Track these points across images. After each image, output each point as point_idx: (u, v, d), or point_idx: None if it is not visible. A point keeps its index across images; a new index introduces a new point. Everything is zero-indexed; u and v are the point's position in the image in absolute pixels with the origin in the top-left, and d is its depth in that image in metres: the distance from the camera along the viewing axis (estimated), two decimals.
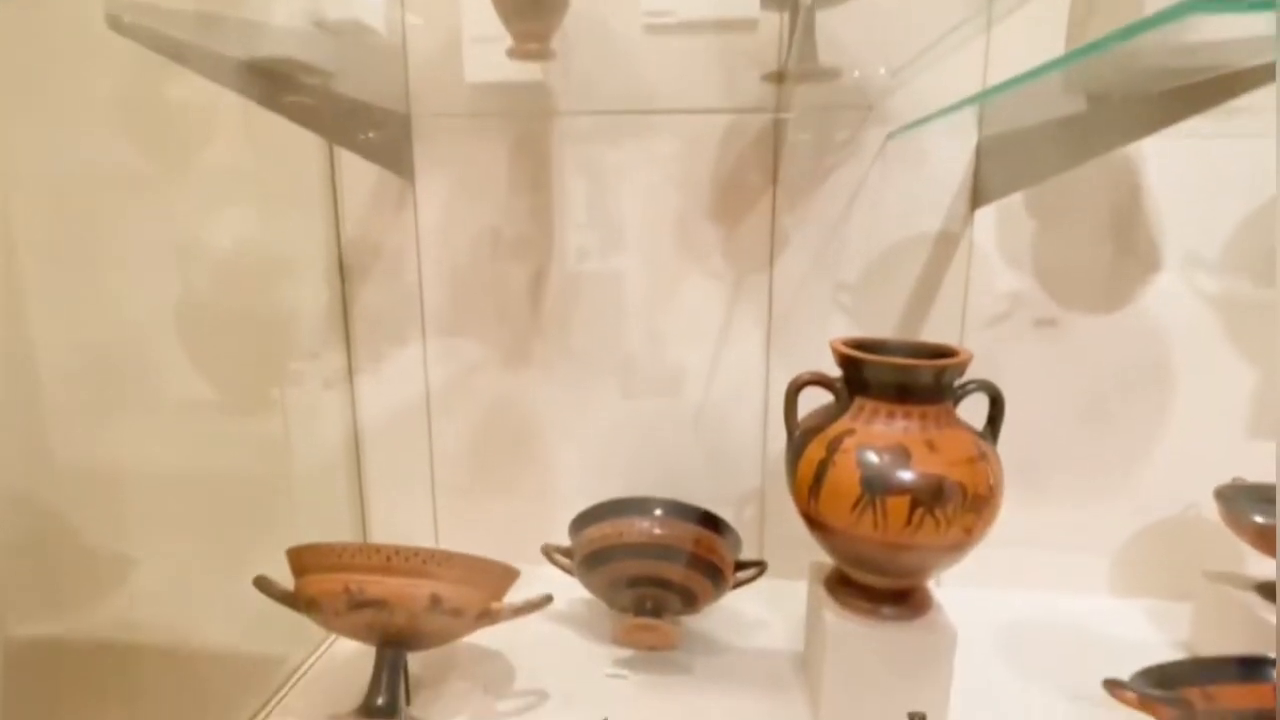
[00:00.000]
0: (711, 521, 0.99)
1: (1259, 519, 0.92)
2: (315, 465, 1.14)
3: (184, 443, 0.83)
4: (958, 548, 0.78)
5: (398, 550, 0.75)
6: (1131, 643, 1.06)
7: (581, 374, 1.19)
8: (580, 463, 1.21)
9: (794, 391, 0.85)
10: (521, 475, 1.24)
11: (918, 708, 0.83)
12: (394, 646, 0.81)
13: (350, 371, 1.22)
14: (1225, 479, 1.02)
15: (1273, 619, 0.90)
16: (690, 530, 0.96)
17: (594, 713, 0.84)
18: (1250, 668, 0.71)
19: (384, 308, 1.19)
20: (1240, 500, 0.98)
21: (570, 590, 1.08)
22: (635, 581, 0.97)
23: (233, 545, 0.85)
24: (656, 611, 0.97)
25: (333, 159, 1.14)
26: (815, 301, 1.13)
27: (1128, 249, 1.08)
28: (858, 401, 0.82)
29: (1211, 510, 1.06)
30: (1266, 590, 0.95)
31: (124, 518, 0.74)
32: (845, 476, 0.77)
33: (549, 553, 1.04)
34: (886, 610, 0.86)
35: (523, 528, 1.13)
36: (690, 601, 0.99)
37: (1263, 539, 0.91)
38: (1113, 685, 0.78)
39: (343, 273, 1.17)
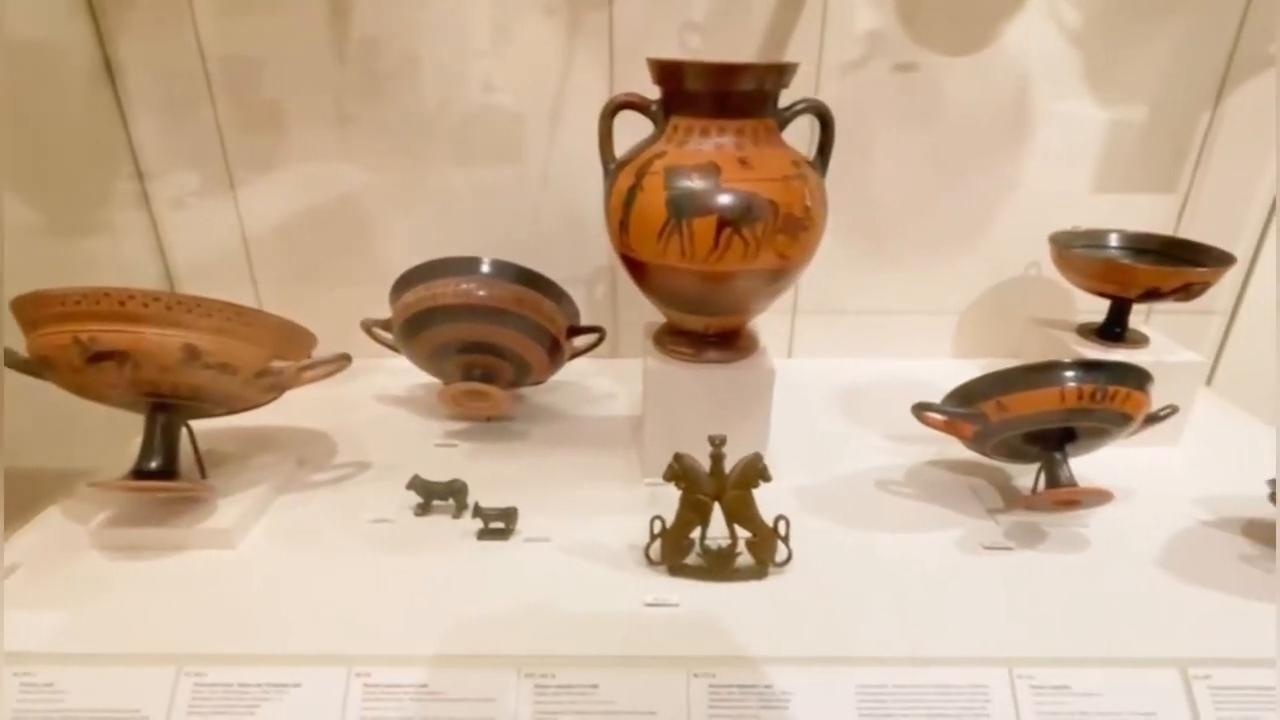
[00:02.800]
0: (540, 283, 0.92)
1: (1084, 253, 0.92)
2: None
3: None
4: (774, 276, 0.73)
5: (132, 295, 0.65)
6: None
7: (409, 139, 1.06)
8: (415, 243, 1.08)
9: (607, 117, 0.76)
10: (353, 261, 1.13)
11: (737, 445, 0.83)
12: (166, 411, 0.73)
13: (141, 176, 1.05)
14: None
15: (1085, 352, 0.92)
16: (514, 290, 0.89)
17: None
18: (1034, 374, 0.71)
19: (163, 77, 1.00)
20: (1071, 242, 0.98)
21: (411, 375, 1.01)
22: (465, 348, 0.91)
23: None
24: (487, 379, 0.92)
25: None
26: (661, 46, 1.00)
27: None
28: (673, 121, 0.73)
29: (1052, 268, 1.07)
30: (1085, 330, 0.97)
31: None
32: (652, 201, 0.70)
33: (368, 327, 0.96)
34: (712, 354, 0.83)
35: (359, 316, 1.02)
36: (525, 370, 0.95)
37: (1086, 275, 0.91)
38: (919, 409, 0.79)
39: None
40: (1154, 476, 0.87)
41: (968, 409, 0.76)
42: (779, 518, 0.69)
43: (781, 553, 0.70)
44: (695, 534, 0.69)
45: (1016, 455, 0.79)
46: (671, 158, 0.70)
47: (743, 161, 0.69)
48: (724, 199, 0.68)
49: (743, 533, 0.69)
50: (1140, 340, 0.93)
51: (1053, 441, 0.74)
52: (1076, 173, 1.08)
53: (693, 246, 0.69)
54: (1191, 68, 1.02)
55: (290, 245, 1.12)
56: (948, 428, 0.79)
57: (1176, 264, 0.91)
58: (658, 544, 0.70)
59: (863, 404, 1.06)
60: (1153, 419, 0.76)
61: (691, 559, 0.70)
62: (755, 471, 0.68)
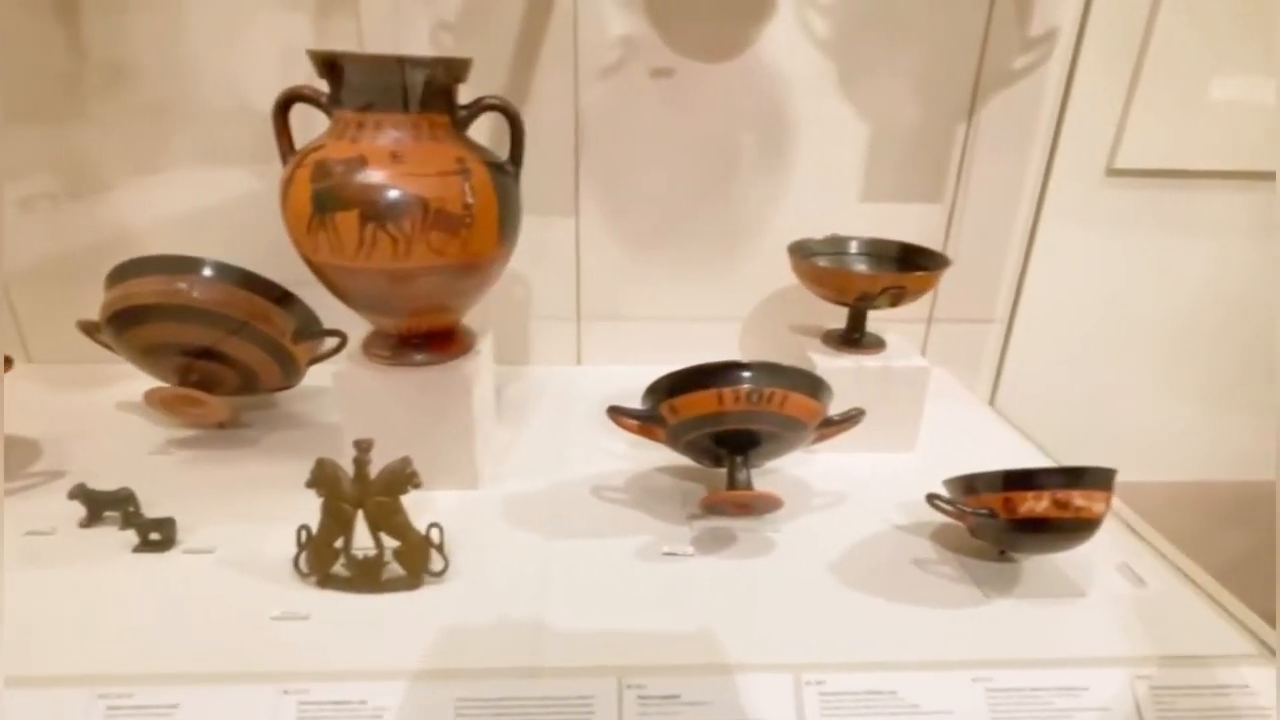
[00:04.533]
0: (260, 285, 0.88)
1: (807, 261, 0.93)
2: None
3: None
4: (459, 273, 0.71)
5: None
6: None
7: (154, 139, 1.01)
8: (170, 246, 1.05)
9: (278, 110, 0.73)
10: (107, 264, 1.07)
11: (443, 450, 0.80)
12: None
13: None
14: None
15: (817, 358, 0.92)
16: (223, 291, 0.85)
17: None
18: (696, 376, 0.71)
19: None
20: (819, 250, 0.98)
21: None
22: (182, 352, 0.87)
23: None
24: (206, 385, 0.88)
25: None
26: (414, 45, 0.98)
27: None
28: (336, 115, 0.71)
29: None
30: (829, 337, 0.97)
31: None
32: (300, 195, 0.67)
33: (85, 328, 0.91)
34: (417, 358, 0.80)
35: None
36: (253, 376, 0.91)
37: (811, 281, 0.91)
38: (614, 412, 0.78)
39: None
40: (874, 481, 0.87)
41: (648, 410, 0.75)
42: (432, 525, 0.67)
43: (438, 562, 0.68)
44: (341, 544, 0.66)
45: (712, 459, 0.78)
46: (325, 151, 0.68)
47: (394, 156, 0.67)
48: (364, 194, 0.66)
49: (394, 542, 0.67)
50: (875, 345, 0.94)
51: (735, 445, 0.73)
52: (843, 182, 1.10)
53: (339, 242, 0.67)
54: (942, 81, 1.05)
55: (43, 247, 1.06)
56: (641, 431, 0.78)
57: (905, 270, 0.92)
58: (306, 555, 0.67)
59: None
60: (830, 423, 0.75)
61: (340, 570, 0.67)
62: (403, 478, 0.66)
